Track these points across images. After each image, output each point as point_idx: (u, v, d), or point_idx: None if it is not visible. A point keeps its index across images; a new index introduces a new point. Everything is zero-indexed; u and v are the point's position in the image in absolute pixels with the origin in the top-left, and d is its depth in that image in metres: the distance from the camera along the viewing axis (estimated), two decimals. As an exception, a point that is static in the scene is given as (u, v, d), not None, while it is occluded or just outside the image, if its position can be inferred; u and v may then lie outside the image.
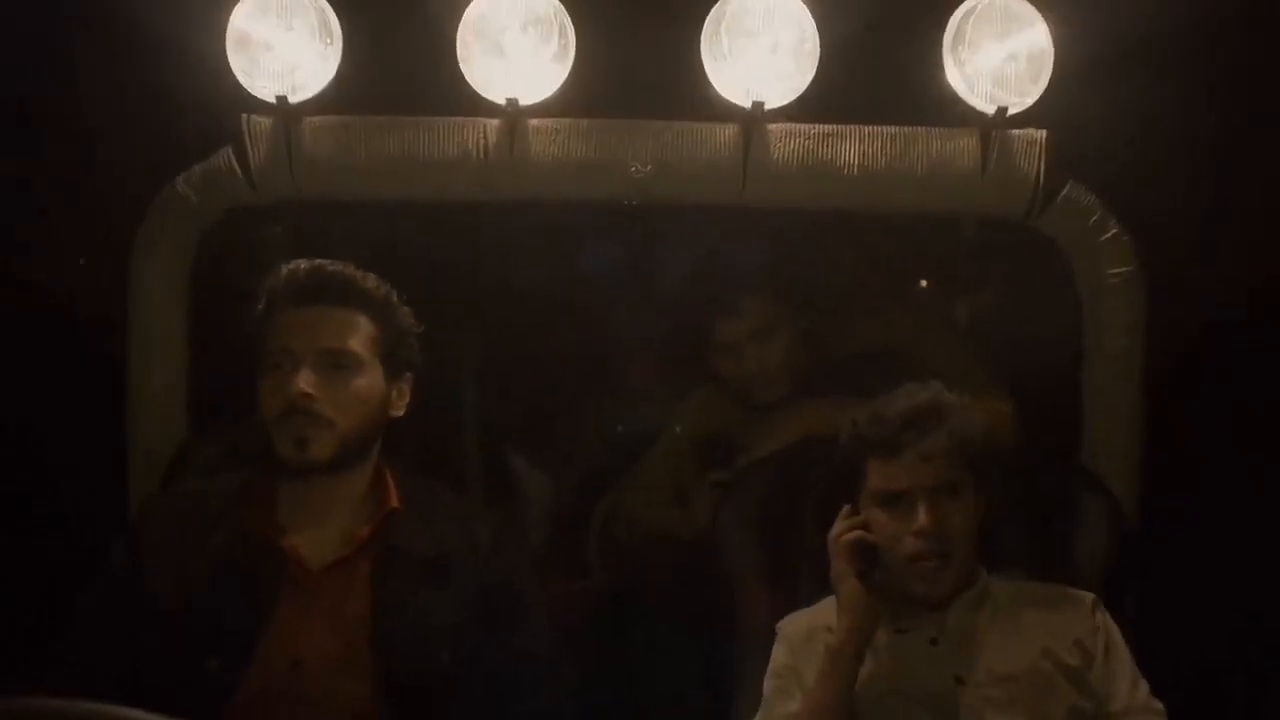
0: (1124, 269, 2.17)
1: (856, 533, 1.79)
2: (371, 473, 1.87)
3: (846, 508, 1.82)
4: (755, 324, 2.31)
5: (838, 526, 1.81)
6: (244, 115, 2.15)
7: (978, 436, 1.81)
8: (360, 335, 1.82)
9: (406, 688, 1.74)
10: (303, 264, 1.85)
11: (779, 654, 1.86)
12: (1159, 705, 1.76)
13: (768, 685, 1.85)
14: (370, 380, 1.83)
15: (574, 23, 2.08)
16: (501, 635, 1.82)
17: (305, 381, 1.77)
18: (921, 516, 1.75)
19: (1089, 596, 1.84)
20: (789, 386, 2.34)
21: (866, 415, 1.83)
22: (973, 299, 2.71)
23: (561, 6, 2.08)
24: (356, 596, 1.78)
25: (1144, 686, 1.77)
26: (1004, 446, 2.10)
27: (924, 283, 2.74)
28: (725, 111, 2.13)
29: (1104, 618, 1.82)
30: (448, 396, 1.88)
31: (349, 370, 1.81)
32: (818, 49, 2.06)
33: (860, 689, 1.75)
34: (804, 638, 1.84)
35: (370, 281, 1.86)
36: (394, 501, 1.84)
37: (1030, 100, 2.10)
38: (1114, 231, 2.16)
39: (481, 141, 2.15)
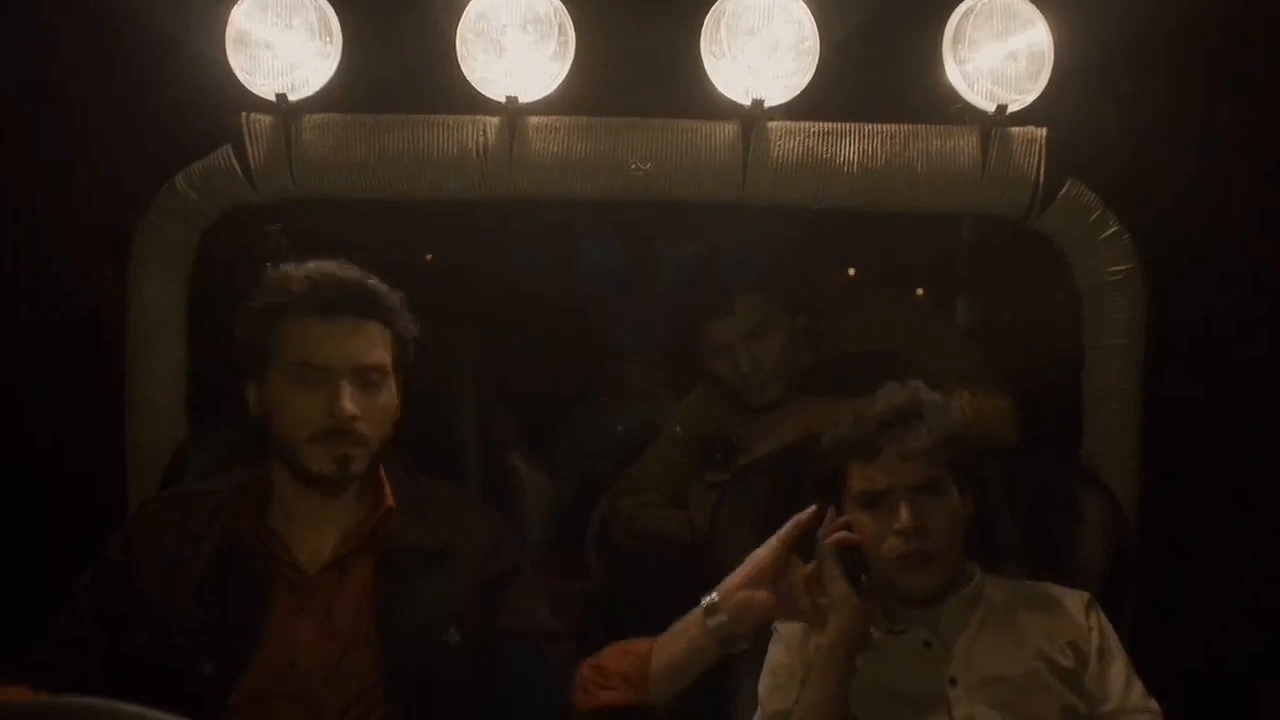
0: (1124, 267, 2.17)
1: (840, 534, 1.79)
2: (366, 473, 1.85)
3: (831, 509, 1.83)
4: (749, 324, 2.29)
5: (822, 529, 1.81)
6: (244, 113, 2.15)
7: (958, 435, 1.82)
8: (386, 349, 1.81)
9: (406, 686, 1.73)
10: (317, 269, 1.81)
11: (775, 652, 1.86)
12: (1154, 705, 1.75)
13: (763, 684, 1.85)
14: (393, 393, 1.82)
15: (573, 21, 2.08)
16: (501, 624, 1.81)
17: (352, 402, 1.74)
18: (903, 516, 1.76)
19: (1084, 596, 1.84)
20: (784, 389, 2.33)
21: (846, 418, 1.84)
22: (972, 297, 2.71)
23: (561, 5, 2.08)
24: (354, 597, 1.77)
25: (1139, 686, 1.76)
26: (999, 444, 2.11)
27: (920, 291, 2.74)
28: (725, 109, 2.13)
29: (1098, 617, 1.81)
30: (447, 396, 1.87)
31: (378, 386, 1.79)
32: (817, 47, 2.06)
33: (854, 689, 1.75)
34: (800, 637, 1.84)
35: (384, 289, 1.83)
36: (389, 500, 1.83)
37: (1030, 98, 2.10)
38: (1114, 229, 2.16)
39: (481, 139, 2.14)
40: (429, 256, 2.58)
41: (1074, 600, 1.83)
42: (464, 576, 1.81)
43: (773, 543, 1.80)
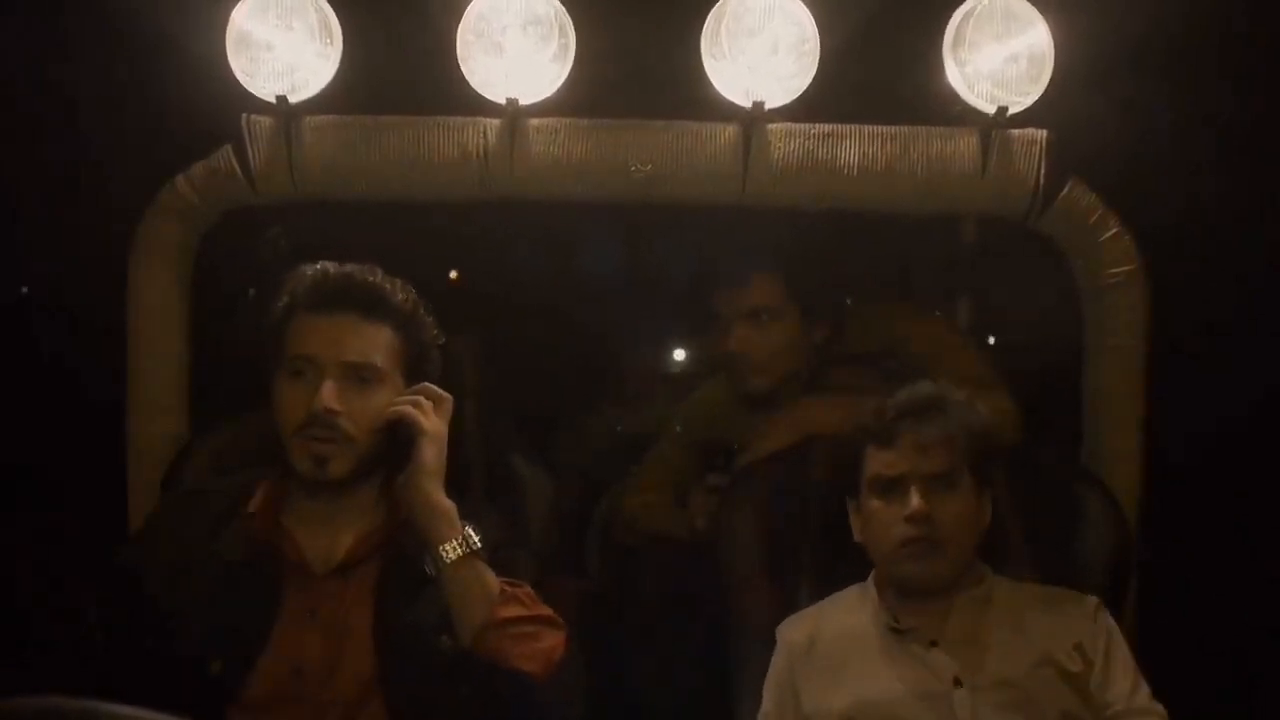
0: (1124, 268, 2.17)
1: None
2: (381, 481, 1.84)
3: None
4: (756, 303, 2.28)
5: None
6: (244, 115, 2.14)
7: (978, 431, 1.82)
8: (385, 349, 1.78)
9: (403, 691, 1.72)
10: (331, 268, 1.81)
11: (778, 663, 1.86)
12: (1160, 709, 1.74)
13: (767, 696, 1.85)
14: (391, 395, 1.78)
15: (574, 22, 2.08)
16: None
17: (330, 395, 1.72)
18: (914, 501, 1.77)
19: (1092, 600, 1.83)
20: (774, 385, 2.32)
21: (872, 407, 1.85)
22: (973, 299, 2.71)
23: (561, 6, 2.07)
24: (360, 603, 1.75)
25: (1145, 689, 1.76)
26: (1006, 445, 2.10)
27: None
28: (725, 111, 2.13)
29: (1106, 621, 1.81)
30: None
31: (371, 384, 1.77)
32: (818, 48, 2.06)
33: (857, 688, 1.76)
34: (805, 647, 1.84)
35: (399, 294, 1.81)
36: (403, 510, 1.80)
37: (1030, 100, 2.09)
38: (1114, 231, 2.16)
39: (481, 141, 2.14)
40: (453, 274, 2.58)
41: (1082, 604, 1.83)
42: None
43: None
